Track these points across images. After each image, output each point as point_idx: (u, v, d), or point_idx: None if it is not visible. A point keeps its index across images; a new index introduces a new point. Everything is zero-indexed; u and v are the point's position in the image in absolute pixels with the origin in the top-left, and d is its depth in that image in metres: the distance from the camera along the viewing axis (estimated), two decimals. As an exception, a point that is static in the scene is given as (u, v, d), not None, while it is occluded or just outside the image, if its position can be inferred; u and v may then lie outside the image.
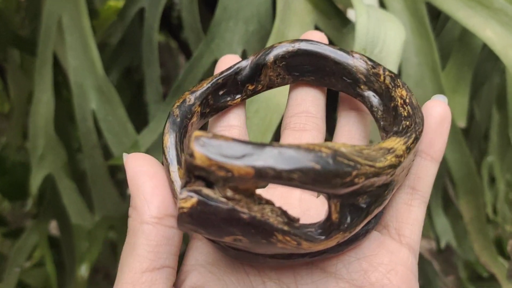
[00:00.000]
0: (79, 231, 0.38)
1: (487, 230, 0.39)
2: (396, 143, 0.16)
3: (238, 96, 0.20)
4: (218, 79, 0.19)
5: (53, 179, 0.38)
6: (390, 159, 0.15)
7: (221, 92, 0.20)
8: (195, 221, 0.12)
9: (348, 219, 0.15)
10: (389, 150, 0.15)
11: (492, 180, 0.49)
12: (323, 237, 0.14)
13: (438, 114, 0.18)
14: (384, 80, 0.18)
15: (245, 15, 0.31)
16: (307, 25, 0.31)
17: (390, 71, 0.19)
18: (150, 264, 0.16)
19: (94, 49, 0.35)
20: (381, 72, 0.19)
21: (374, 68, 0.19)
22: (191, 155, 0.12)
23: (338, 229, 0.14)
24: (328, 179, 0.13)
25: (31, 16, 0.45)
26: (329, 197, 0.14)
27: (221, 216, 0.12)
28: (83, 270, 0.38)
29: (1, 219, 0.60)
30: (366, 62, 0.19)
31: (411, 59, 0.33)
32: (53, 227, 0.65)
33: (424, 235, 0.44)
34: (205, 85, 0.19)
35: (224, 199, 0.12)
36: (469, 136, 0.44)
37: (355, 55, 0.19)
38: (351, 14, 0.31)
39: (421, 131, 0.17)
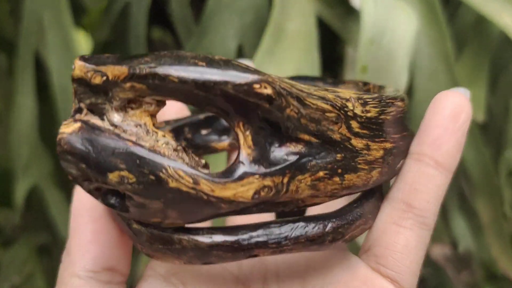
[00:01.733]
0: (70, 243, 0.36)
1: (506, 233, 0.36)
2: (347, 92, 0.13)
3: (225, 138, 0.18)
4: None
5: (39, 189, 0.35)
6: (329, 95, 0.12)
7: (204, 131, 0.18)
8: (76, 150, 0.11)
9: (268, 159, 0.11)
10: (334, 91, 0.12)
11: (511, 174, 0.46)
12: (229, 179, 0.11)
13: (450, 106, 0.13)
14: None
15: (241, 6, 0.29)
16: (308, 16, 0.28)
17: None
18: None
19: (78, 49, 0.33)
20: None
21: None
22: (73, 69, 0.12)
23: (251, 172, 0.11)
24: (216, 84, 0.10)
25: (15, 18, 0.43)
26: (233, 122, 0.11)
27: (104, 143, 0.11)
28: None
29: (-5, 228, 0.57)
30: None
31: (422, 50, 0.30)
32: (48, 234, 0.63)
33: (437, 239, 0.41)
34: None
35: (110, 127, 0.12)
36: (486, 130, 0.41)
37: None
38: (355, 2, 0.28)
39: (395, 99, 0.13)
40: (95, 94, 0.12)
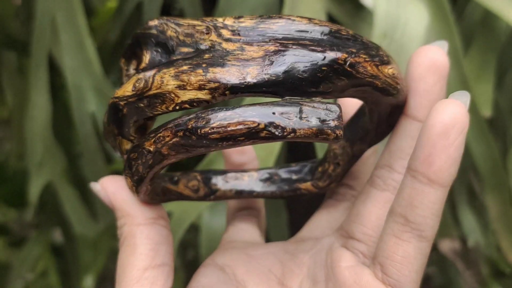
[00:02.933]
0: (83, 241, 0.37)
1: (516, 227, 0.37)
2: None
3: None
4: None
5: (53, 186, 0.36)
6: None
7: None
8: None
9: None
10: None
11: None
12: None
13: (441, 122, 0.13)
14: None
15: (251, 4, 0.29)
16: (318, 13, 0.29)
17: None
18: (152, 261, 0.16)
19: (91, 48, 0.33)
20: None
21: None
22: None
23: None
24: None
25: (27, 17, 0.44)
26: (143, 51, 0.15)
27: None
28: (88, 282, 0.36)
29: (5, 228, 0.58)
30: None
31: (431, 46, 0.31)
32: (59, 233, 0.64)
33: (446, 234, 0.41)
34: None
35: None
36: (493, 125, 0.41)
37: None
38: (365, -1, 0.28)
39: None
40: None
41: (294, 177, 0.19)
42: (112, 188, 0.17)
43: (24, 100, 0.44)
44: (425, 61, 0.15)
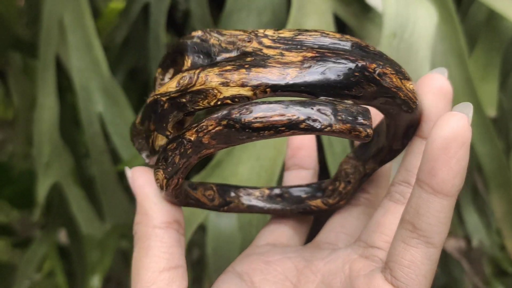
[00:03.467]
0: (90, 241, 0.37)
1: (521, 226, 0.37)
2: None
3: None
4: None
5: (60, 187, 0.36)
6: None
7: None
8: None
9: None
10: None
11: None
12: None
13: (444, 133, 0.14)
14: None
15: (258, 5, 0.30)
16: (325, 14, 0.29)
17: None
18: (167, 263, 0.17)
19: (98, 49, 0.33)
20: None
21: None
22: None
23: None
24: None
25: (32, 18, 0.44)
26: (184, 58, 0.16)
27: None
28: (95, 282, 0.37)
29: (10, 228, 0.58)
30: None
31: (436, 46, 0.31)
32: (64, 234, 0.64)
33: (451, 233, 0.41)
34: None
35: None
36: (496, 125, 0.42)
37: None
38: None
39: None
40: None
41: (304, 195, 0.20)
42: (140, 181, 0.18)
43: (30, 101, 0.44)
44: (433, 89, 0.16)
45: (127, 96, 0.34)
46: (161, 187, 0.17)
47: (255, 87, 0.14)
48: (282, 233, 0.21)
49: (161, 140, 0.16)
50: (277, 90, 0.14)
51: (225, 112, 0.14)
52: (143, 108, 0.17)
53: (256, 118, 0.13)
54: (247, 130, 0.14)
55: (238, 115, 0.14)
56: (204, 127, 0.14)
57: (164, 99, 0.15)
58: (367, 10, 0.29)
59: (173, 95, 0.15)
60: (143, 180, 0.18)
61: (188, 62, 0.16)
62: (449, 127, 0.14)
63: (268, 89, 0.14)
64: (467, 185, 0.39)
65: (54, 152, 0.35)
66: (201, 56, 0.16)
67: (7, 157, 0.59)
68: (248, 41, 0.15)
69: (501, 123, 0.43)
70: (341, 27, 0.30)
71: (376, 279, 0.16)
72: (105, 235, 0.36)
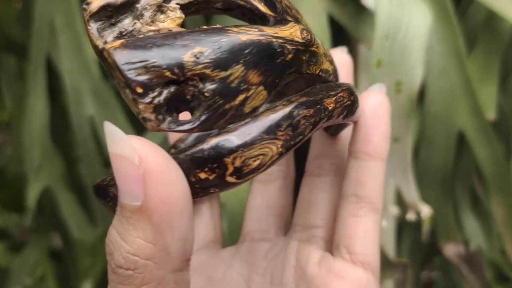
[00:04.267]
0: (82, 246, 0.36)
1: (521, 231, 0.36)
2: None
3: None
4: None
5: (51, 191, 0.35)
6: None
7: None
8: (137, 48, 0.11)
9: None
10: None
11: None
12: (278, 26, 0.13)
13: (371, 105, 0.16)
14: None
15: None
16: (319, 14, 0.28)
17: None
18: None
19: (89, 50, 0.33)
20: None
21: None
22: (87, 8, 0.12)
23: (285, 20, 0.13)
24: None
25: (26, 20, 0.43)
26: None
27: (161, 36, 0.11)
28: (87, 287, 0.36)
29: (5, 232, 0.58)
30: None
31: (434, 48, 0.30)
32: (57, 238, 0.64)
33: (451, 238, 0.41)
34: None
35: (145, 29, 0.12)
36: (496, 128, 0.41)
37: None
38: (366, 0, 0.28)
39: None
40: (118, 20, 0.12)
41: None
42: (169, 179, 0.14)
43: (23, 104, 0.44)
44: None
45: (119, 98, 0.33)
46: (258, 168, 0.12)
47: (332, 62, 0.14)
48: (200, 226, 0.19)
49: (257, 100, 0.12)
50: None
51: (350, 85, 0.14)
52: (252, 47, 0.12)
53: None
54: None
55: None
56: (341, 97, 0.13)
57: (289, 47, 0.12)
58: (363, 11, 0.29)
59: (299, 47, 0.12)
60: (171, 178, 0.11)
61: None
62: (374, 98, 0.16)
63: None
64: (465, 189, 0.39)
65: (45, 155, 0.34)
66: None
67: (4, 161, 0.59)
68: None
69: (501, 126, 0.42)
70: (336, 28, 0.29)
71: (335, 263, 0.16)
72: (97, 240, 0.36)
